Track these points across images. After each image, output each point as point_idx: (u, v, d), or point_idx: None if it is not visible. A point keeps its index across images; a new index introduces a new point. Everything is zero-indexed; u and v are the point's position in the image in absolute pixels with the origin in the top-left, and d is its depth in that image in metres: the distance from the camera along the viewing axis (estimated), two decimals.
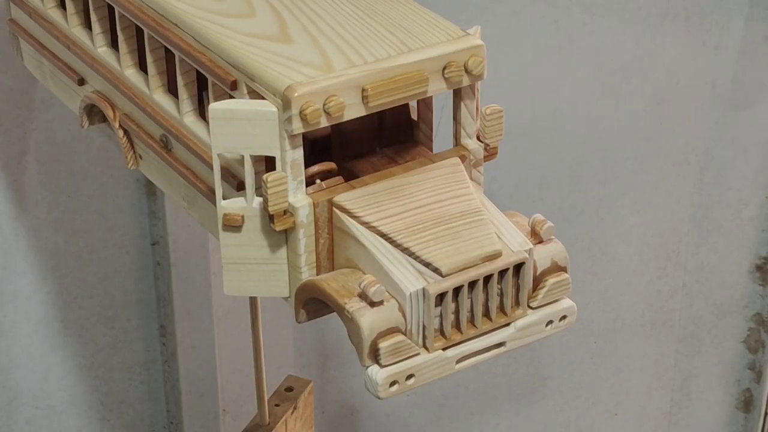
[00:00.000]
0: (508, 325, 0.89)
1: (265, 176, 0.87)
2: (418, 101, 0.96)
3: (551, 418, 1.91)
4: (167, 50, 0.99)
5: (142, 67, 1.03)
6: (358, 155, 0.96)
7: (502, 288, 0.87)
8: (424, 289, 0.84)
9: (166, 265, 1.50)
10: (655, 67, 1.70)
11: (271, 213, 0.88)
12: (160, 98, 1.01)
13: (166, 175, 1.03)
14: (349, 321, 0.84)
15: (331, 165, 0.92)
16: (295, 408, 1.31)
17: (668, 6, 1.66)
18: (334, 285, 0.87)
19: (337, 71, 0.88)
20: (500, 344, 0.89)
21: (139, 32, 1.01)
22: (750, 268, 1.92)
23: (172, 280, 1.51)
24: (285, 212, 0.88)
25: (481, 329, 0.87)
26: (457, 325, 0.86)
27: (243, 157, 0.88)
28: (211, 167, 0.91)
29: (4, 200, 1.40)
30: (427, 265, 0.85)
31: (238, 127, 0.87)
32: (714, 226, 1.87)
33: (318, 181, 0.91)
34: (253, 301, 1.23)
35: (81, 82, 1.11)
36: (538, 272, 0.89)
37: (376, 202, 0.89)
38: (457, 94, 0.94)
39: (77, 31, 1.10)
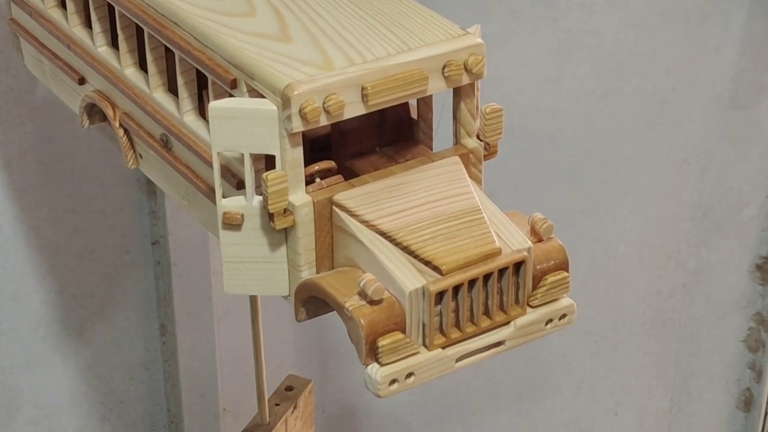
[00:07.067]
0: (507, 323, 0.89)
1: (264, 175, 0.87)
2: (418, 100, 0.96)
3: (551, 418, 1.91)
4: (167, 49, 0.99)
5: (142, 66, 1.03)
6: (358, 154, 0.96)
7: (501, 286, 0.87)
8: (423, 287, 0.84)
9: (167, 265, 1.50)
10: (655, 67, 1.70)
11: (271, 211, 0.88)
12: (160, 97, 1.01)
13: (166, 174, 1.04)
14: (349, 319, 0.84)
15: (330, 164, 0.92)
16: (295, 407, 1.31)
17: (668, 6, 1.67)
18: (333, 283, 0.87)
19: (336, 70, 0.88)
20: (500, 343, 0.89)
21: (139, 31, 1.01)
22: (750, 267, 1.92)
23: (172, 279, 1.51)
24: (285, 211, 0.88)
25: (480, 328, 0.87)
26: (456, 324, 0.87)
27: (243, 155, 0.88)
28: (211, 166, 0.91)
29: (4, 199, 1.40)
30: (426, 263, 0.85)
31: (237, 126, 0.87)
32: (714, 226, 1.87)
33: (318, 179, 0.91)
34: (253, 300, 1.23)
35: (81, 81, 1.11)
36: (538, 271, 0.89)
37: (376, 201, 0.89)
38: (457, 93, 0.94)
39: (77, 31, 1.10)
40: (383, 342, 0.84)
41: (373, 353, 0.84)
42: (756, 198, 1.87)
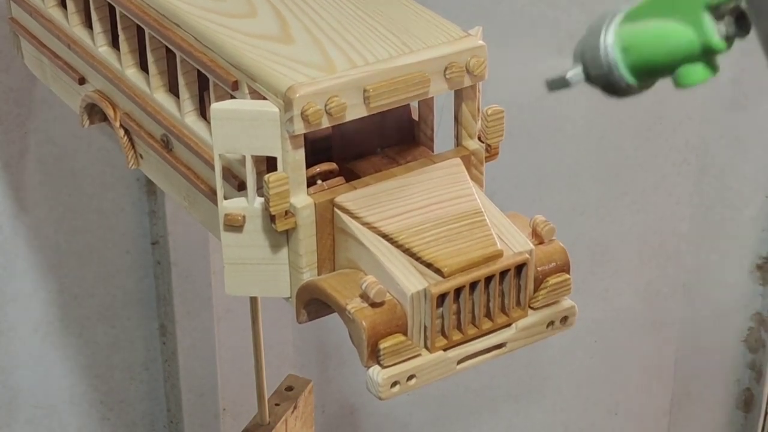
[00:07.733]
0: (509, 325, 0.89)
1: (266, 177, 0.87)
2: (419, 101, 0.96)
3: (551, 418, 1.91)
4: (168, 50, 0.99)
5: (143, 66, 1.03)
6: (359, 155, 0.96)
7: (503, 289, 0.87)
8: (425, 289, 0.84)
9: (167, 265, 1.50)
10: None
11: (273, 213, 0.88)
12: (161, 98, 1.01)
13: (166, 174, 1.03)
14: (351, 322, 0.84)
15: (332, 165, 0.92)
16: (295, 407, 1.31)
17: None
18: (335, 285, 0.87)
19: (338, 72, 0.88)
20: (501, 345, 0.89)
21: (140, 32, 1.01)
22: (750, 267, 1.92)
23: (172, 279, 1.51)
24: (286, 213, 0.88)
25: (482, 330, 0.87)
26: (458, 326, 0.86)
27: (244, 157, 0.88)
28: (212, 167, 0.91)
29: (4, 199, 1.40)
30: (428, 265, 0.85)
31: (239, 128, 0.87)
32: (714, 226, 1.87)
33: (319, 181, 0.91)
34: (253, 300, 1.23)
35: (81, 81, 1.11)
36: (539, 273, 0.89)
37: (378, 203, 0.89)
38: (459, 95, 0.94)
39: (78, 30, 1.10)
40: (385, 344, 0.84)
41: (374, 355, 0.84)
42: (756, 198, 1.86)
